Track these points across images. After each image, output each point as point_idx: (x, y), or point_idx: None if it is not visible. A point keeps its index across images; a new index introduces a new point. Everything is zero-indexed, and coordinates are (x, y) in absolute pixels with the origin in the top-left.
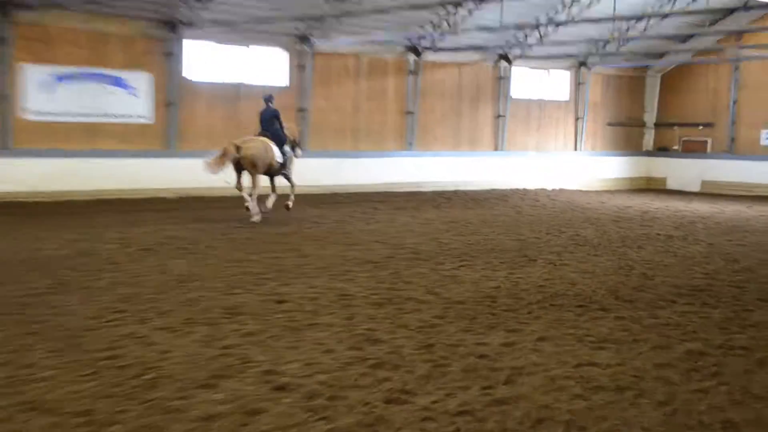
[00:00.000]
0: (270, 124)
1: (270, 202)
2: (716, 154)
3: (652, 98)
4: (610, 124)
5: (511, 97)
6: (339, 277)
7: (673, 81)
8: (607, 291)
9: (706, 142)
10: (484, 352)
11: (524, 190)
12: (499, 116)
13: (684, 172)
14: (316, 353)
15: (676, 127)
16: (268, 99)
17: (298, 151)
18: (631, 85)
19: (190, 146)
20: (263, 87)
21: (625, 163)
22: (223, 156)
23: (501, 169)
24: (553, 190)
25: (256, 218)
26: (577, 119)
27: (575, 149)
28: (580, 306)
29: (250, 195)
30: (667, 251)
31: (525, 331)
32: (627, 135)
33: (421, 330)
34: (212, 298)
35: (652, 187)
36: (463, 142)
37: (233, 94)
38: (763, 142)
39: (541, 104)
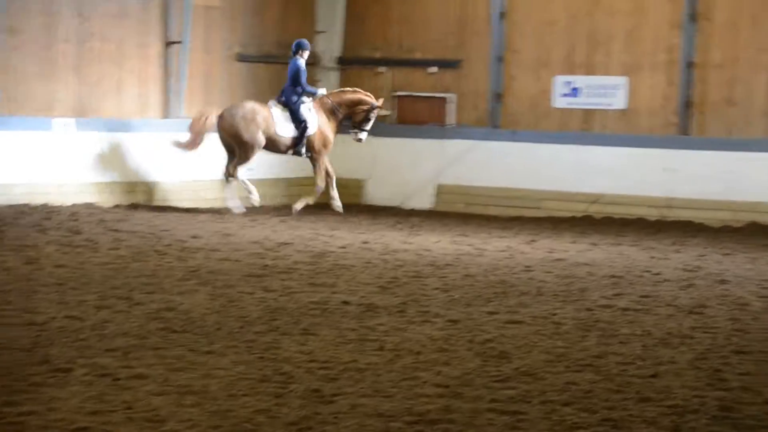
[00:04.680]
0: (289, 85)
1: (300, 203)
2: (467, 128)
3: (331, 4)
4: (243, 59)
5: None
6: None
7: None
8: None
9: (444, 101)
10: None
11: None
12: None
13: (400, 166)
14: None
15: (383, 68)
16: (296, 49)
17: (362, 134)
18: None
19: None
20: None
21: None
22: (194, 131)
23: None
24: (98, 208)
25: (233, 205)
26: (167, 44)
27: (164, 115)
28: None
29: (229, 178)
30: (364, 340)
31: None
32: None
33: None
34: None
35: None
36: None
37: None
38: (557, 101)
39: (82, 10)
